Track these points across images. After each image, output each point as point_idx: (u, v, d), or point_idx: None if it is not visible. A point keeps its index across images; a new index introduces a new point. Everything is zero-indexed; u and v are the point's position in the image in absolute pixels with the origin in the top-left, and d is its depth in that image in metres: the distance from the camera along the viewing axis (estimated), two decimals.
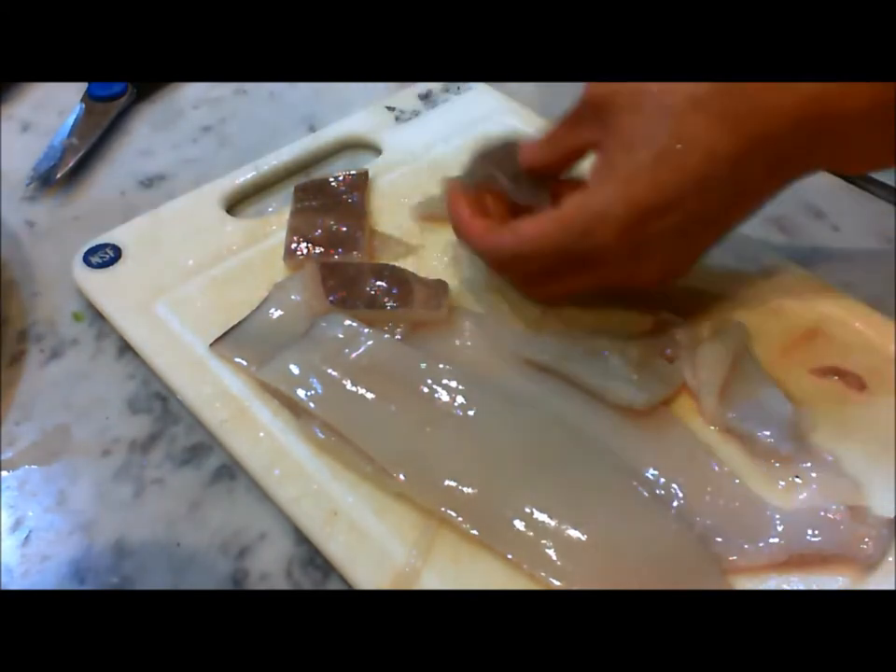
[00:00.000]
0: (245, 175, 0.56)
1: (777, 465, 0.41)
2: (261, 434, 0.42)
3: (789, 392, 0.43)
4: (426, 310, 0.46)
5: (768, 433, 0.41)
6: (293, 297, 0.47)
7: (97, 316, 0.49)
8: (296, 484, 0.40)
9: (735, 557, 0.37)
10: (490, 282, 0.49)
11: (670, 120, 0.39)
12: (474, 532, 0.38)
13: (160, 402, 0.45)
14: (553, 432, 0.41)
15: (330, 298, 0.45)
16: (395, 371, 0.43)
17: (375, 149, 0.59)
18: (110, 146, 0.61)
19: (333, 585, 0.39)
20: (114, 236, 0.52)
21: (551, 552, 0.37)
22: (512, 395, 0.43)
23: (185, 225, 0.53)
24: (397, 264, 0.49)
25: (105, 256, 0.51)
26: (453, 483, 0.39)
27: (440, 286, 0.47)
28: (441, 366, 0.43)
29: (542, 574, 0.37)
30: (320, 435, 0.41)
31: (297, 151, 0.58)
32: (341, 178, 0.54)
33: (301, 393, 0.42)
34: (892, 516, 0.38)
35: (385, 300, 0.46)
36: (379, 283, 0.46)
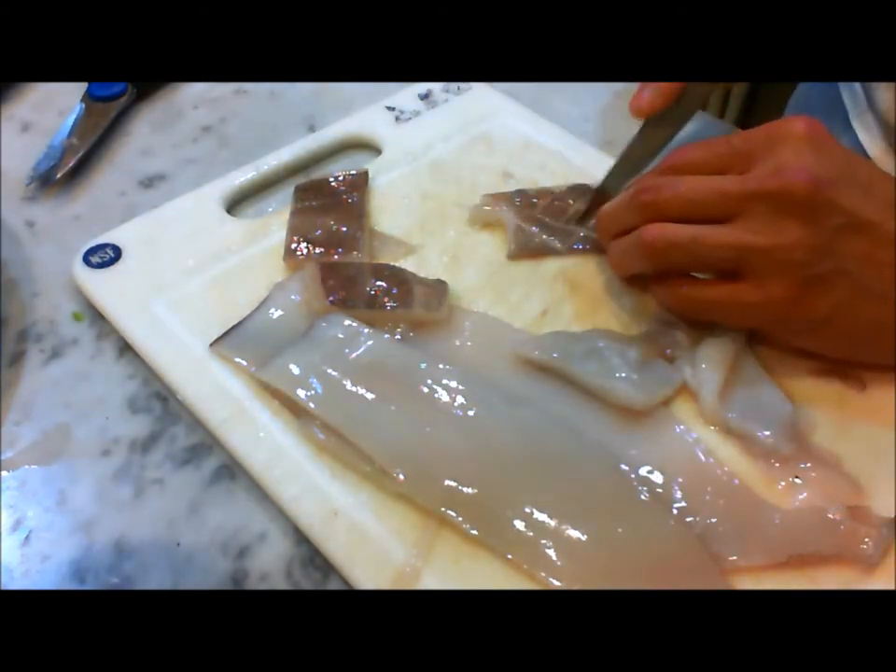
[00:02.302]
0: (244, 175, 0.56)
1: (777, 465, 0.41)
2: (261, 434, 0.42)
3: (789, 392, 0.43)
4: (426, 310, 0.46)
5: (768, 433, 0.41)
6: (293, 297, 0.47)
7: (97, 316, 0.49)
8: (296, 484, 0.40)
9: (735, 557, 0.37)
10: (490, 282, 0.49)
11: None
12: (474, 532, 0.38)
13: (160, 402, 0.45)
14: (552, 432, 0.41)
15: (330, 298, 0.45)
16: (395, 371, 0.43)
17: (375, 149, 0.59)
18: (110, 146, 0.61)
19: (333, 585, 0.39)
20: (114, 236, 0.52)
21: (551, 552, 0.37)
22: (512, 395, 0.43)
23: (185, 225, 0.53)
24: (397, 264, 0.49)
25: (105, 256, 0.50)
26: (453, 483, 0.39)
27: (440, 286, 0.47)
28: (441, 366, 0.43)
29: (542, 574, 0.37)
30: (320, 435, 0.41)
31: (297, 151, 0.58)
32: (341, 178, 0.54)
33: (301, 393, 0.42)
34: (892, 516, 0.38)
35: (385, 300, 0.46)
36: (379, 283, 0.46)
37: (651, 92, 0.47)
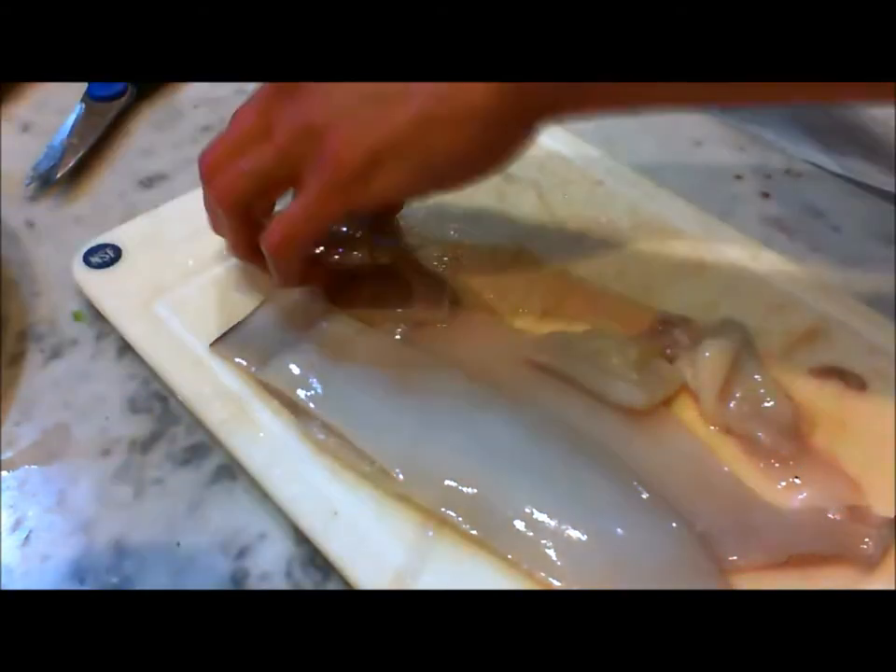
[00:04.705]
0: None
1: (777, 465, 0.41)
2: (261, 434, 0.42)
3: (789, 392, 0.43)
4: (426, 310, 0.46)
5: (768, 433, 0.41)
6: (293, 297, 0.47)
7: (97, 316, 0.49)
8: (296, 484, 0.40)
9: (735, 557, 0.37)
10: (490, 282, 0.49)
11: None
12: (474, 532, 0.38)
13: (160, 402, 0.45)
14: (553, 432, 0.41)
15: (330, 298, 0.45)
16: (395, 370, 0.43)
17: None
18: (110, 146, 0.61)
19: (333, 585, 0.39)
20: (114, 236, 0.52)
21: (551, 552, 0.37)
22: (512, 395, 0.43)
23: (185, 225, 0.52)
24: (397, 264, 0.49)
25: (105, 256, 0.50)
26: (453, 483, 0.39)
27: (440, 286, 0.47)
28: (441, 366, 0.43)
29: (542, 574, 0.37)
30: (320, 435, 0.41)
31: None
32: None
33: (301, 393, 0.42)
34: (892, 516, 0.38)
35: (386, 300, 0.46)
36: (379, 283, 0.46)
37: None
